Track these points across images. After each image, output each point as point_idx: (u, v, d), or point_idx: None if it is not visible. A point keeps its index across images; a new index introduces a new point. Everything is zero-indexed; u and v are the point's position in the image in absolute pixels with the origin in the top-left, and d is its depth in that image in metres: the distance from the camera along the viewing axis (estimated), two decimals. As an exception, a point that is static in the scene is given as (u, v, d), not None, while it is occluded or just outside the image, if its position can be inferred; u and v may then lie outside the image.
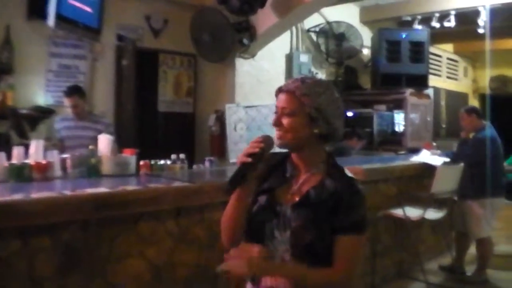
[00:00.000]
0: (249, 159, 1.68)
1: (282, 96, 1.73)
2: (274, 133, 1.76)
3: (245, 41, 5.98)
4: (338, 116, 1.74)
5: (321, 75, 7.70)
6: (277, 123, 1.72)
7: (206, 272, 3.16)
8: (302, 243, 1.67)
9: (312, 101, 1.68)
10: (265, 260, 1.64)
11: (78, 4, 5.02)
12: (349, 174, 1.76)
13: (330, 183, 1.70)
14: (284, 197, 1.76)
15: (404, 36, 7.54)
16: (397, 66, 7.48)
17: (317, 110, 1.68)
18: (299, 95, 1.68)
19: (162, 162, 3.91)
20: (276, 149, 1.79)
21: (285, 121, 1.70)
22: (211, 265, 3.11)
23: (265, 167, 1.82)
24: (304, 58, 7.18)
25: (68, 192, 2.74)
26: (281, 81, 6.96)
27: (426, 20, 7.80)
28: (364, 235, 1.72)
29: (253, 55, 6.45)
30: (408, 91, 7.47)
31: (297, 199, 1.73)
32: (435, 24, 7.63)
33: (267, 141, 1.72)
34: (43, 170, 3.32)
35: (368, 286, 4.60)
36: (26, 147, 3.50)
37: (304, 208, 1.69)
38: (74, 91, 4.66)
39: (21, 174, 3.21)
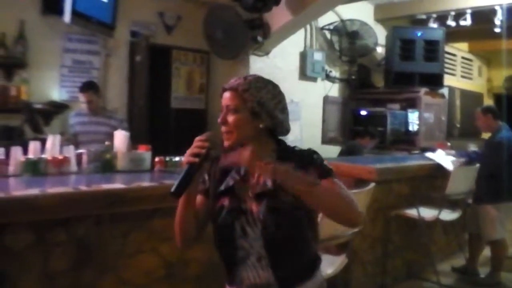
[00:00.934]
0: (196, 159, 1.66)
1: (226, 94, 1.77)
2: None
3: (259, 38, 5.96)
4: (281, 110, 1.78)
5: (335, 73, 7.69)
6: (223, 121, 1.75)
7: (218, 269, 3.16)
8: (272, 231, 1.69)
9: (253, 96, 1.72)
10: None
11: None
12: (300, 148, 1.80)
13: (282, 162, 1.69)
14: (245, 193, 1.77)
15: (419, 34, 7.50)
16: (411, 65, 7.44)
17: (259, 104, 1.71)
18: (241, 91, 1.72)
19: (177, 158, 3.91)
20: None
21: (230, 118, 1.74)
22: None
23: (218, 168, 1.83)
24: (317, 56, 7.16)
25: (83, 187, 2.75)
26: (294, 78, 6.95)
27: (441, 18, 7.74)
28: (335, 177, 1.72)
29: (266, 53, 6.44)
30: (422, 90, 7.43)
31: (256, 191, 1.75)
32: (451, 22, 7.57)
33: (212, 139, 1.70)
34: (59, 165, 3.34)
35: (378, 286, 4.59)
36: (40, 141, 3.51)
37: (265, 197, 1.72)
38: (89, 87, 4.68)
39: (37, 169, 3.23)
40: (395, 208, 4.60)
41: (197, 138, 1.69)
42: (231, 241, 1.76)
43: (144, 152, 3.75)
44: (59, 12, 4.81)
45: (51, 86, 5.45)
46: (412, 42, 7.46)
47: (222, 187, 1.79)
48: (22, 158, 3.27)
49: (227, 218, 1.76)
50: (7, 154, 3.27)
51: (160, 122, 6.41)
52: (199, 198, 1.83)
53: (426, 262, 4.93)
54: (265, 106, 1.72)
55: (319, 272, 1.87)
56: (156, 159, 3.84)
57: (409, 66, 7.43)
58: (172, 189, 1.64)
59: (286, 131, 1.82)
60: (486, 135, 5.35)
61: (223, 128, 1.76)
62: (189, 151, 1.67)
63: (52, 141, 3.49)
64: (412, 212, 4.51)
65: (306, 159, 1.73)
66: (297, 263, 1.77)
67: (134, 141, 3.97)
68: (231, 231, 1.75)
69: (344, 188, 1.70)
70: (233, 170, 1.80)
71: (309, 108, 7.05)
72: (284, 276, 1.74)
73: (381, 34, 8.08)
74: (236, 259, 1.78)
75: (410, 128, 7.71)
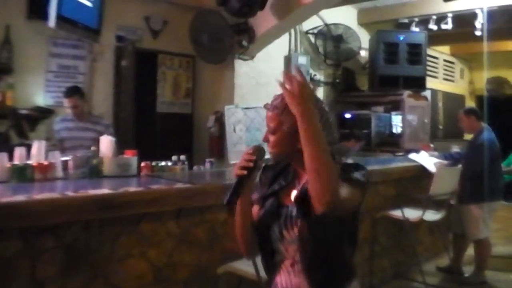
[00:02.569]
0: (245, 172, 1.74)
1: (268, 113, 1.82)
2: None
3: (244, 42, 5.99)
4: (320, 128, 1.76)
5: (319, 76, 7.73)
6: (266, 140, 1.82)
7: (207, 272, 3.18)
8: (307, 235, 1.72)
9: (288, 120, 1.72)
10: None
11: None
12: (348, 161, 1.82)
13: None
14: (288, 198, 1.82)
15: (401, 38, 7.55)
16: (395, 68, 7.49)
17: (294, 128, 1.67)
18: (278, 113, 1.76)
19: (163, 163, 3.92)
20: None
21: (271, 138, 1.79)
22: (212, 266, 3.16)
23: (270, 174, 1.91)
24: (302, 59, 7.20)
25: (70, 193, 2.75)
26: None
27: (423, 22, 7.84)
28: (359, 190, 1.70)
29: (252, 57, 6.46)
30: (406, 92, 7.48)
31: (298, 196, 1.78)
32: (433, 26, 7.67)
33: (258, 152, 1.79)
34: (45, 171, 3.33)
35: (366, 287, 4.63)
36: (26, 147, 3.50)
37: (303, 201, 1.71)
38: (74, 92, 4.67)
39: (23, 175, 3.22)
40: (381, 210, 4.65)
41: (245, 151, 1.79)
42: (269, 243, 1.82)
43: (131, 157, 3.76)
44: (45, 17, 4.78)
45: (37, 91, 5.42)
46: (395, 45, 7.51)
47: (269, 191, 1.86)
48: (8, 164, 3.26)
49: (266, 220, 1.82)
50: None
51: (147, 127, 6.40)
52: (254, 207, 1.89)
53: (412, 262, 4.99)
54: None
55: (355, 283, 1.87)
56: (143, 164, 3.85)
57: (392, 69, 7.48)
58: (224, 201, 1.72)
59: (330, 143, 1.73)
60: (468, 136, 5.42)
61: (267, 145, 1.82)
62: (238, 164, 1.76)
63: (38, 147, 3.47)
64: (397, 213, 4.56)
65: (347, 167, 1.73)
66: (329, 270, 1.77)
67: (121, 146, 3.98)
68: (269, 233, 1.81)
69: (345, 191, 1.64)
70: (281, 176, 1.87)
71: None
72: (316, 283, 1.75)
73: (365, 38, 8.14)
74: (273, 264, 1.84)
75: (394, 131, 7.79)
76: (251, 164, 1.75)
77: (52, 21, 4.67)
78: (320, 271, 1.76)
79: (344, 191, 1.63)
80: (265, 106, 1.83)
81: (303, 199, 1.71)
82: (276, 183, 1.88)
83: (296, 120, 1.63)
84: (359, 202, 1.74)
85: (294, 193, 1.81)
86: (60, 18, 4.69)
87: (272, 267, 1.85)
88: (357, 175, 1.71)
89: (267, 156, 1.83)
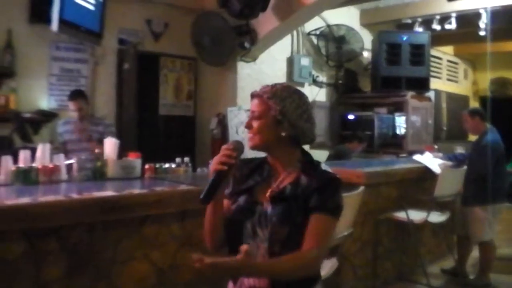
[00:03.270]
0: (225, 167, 1.72)
1: (253, 100, 1.84)
2: None
3: (246, 44, 5.99)
4: (305, 120, 1.82)
5: (322, 77, 7.73)
6: (248, 126, 1.81)
7: (210, 276, 3.17)
8: (279, 237, 1.72)
9: (277, 104, 1.77)
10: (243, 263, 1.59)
11: (80, 1, 5.03)
12: (324, 167, 1.83)
13: (305, 178, 1.78)
14: (263, 195, 1.81)
15: (404, 38, 7.55)
16: (397, 69, 7.48)
17: (281, 113, 1.76)
18: (266, 99, 1.78)
19: (166, 165, 3.92)
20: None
21: (254, 123, 1.80)
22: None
23: (245, 169, 1.89)
24: (304, 61, 7.21)
25: (74, 195, 2.75)
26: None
27: (426, 22, 7.82)
28: (337, 219, 1.77)
29: (254, 59, 6.47)
30: (409, 93, 7.48)
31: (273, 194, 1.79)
32: (436, 26, 7.65)
33: (238, 147, 1.78)
34: (50, 174, 3.34)
35: (369, 289, 4.62)
36: (30, 150, 3.51)
37: (280, 203, 1.75)
38: (79, 95, 4.69)
39: (28, 178, 3.22)
40: (384, 211, 4.63)
41: (224, 147, 1.76)
42: (239, 239, 1.77)
43: (135, 159, 3.76)
44: (47, 20, 4.79)
45: (40, 95, 5.44)
46: (398, 46, 7.51)
47: (243, 187, 1.84)
48: (12, 167, 3.26)
49: (239, 216, 1.80)
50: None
51: (149, 129, 6.41)
52: (225, 202, 1.86)
53: (416, 264, 4.97)
54: (288, 115, 1.77)
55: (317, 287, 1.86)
56: (146, 166, 3.85)
57: (395, 70, 7.47)
58: (201, 196, 1.70)
59: (311, 140, 1.86)
60: (473, 137, 5.40)
61: (248, 132, 1.82)
62: (217, 159, 1.73)
63: (42, 150, 3.48)
64: (401, 215, 4.54)
65: (323, 184, 1.75)
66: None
67: (123, 148, 3.97)
68: (241, 229, 1.78)
69: (325, 232, 1.74)
70: (256, 172, 1.86)
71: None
72: (280, 284, 1.74)
73: (367, 38, 8.15)
74: None
75: (398, 132, 7.78)
76: (232, 161, 1.73)
77: (54, 25, 4.68)
78: None
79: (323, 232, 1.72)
80: (252, 93, 1.84)
81: (282, 199, 1.76)
82: (251, 179, 1.86)
83: (285, 107, 1.75)
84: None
85: (269, 191, 1.80)
86: (62, 21, 4.71)
87: None
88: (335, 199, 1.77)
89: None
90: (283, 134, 1.77)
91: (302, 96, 1.85)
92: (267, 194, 1.80)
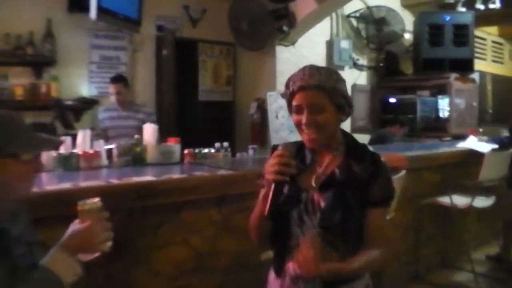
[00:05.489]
0: (284, 178, 1.62)
1: (306, 93, 1.66)
2: None
3: (285, 28, 5.93)
4: (350, 97, 1.76)
5: (362, 61, 7.62)
6: (312, 123, 1.66)
7: (248, 260, 3.16)
8: (331, 223, 1.67)
9: (339, 90, 1.67)
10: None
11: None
12: (371, 149, 1.77)
13: (354, 161, 1.71)
14: (308, 182, 1.75)
15: (447, 19, 7.36)
16: (440, 51, 7.32)
17: (344, 97, 1.69)
18: (329, 88, 1.65)
19: (205, 150, 3.92)
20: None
21: (320, 118, 1.66)
22: (253, 253, 3.14)
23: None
24: (344, 44, 7.11)
25: (114, 181, 2.77)
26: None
27: (470, 2, 7.59)
28: (389, 206, 1.79)
29: (293, 43, 6.41)
30: (452, 75, 7.29)
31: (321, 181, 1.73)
32: (480, 6, 7.42)
33: (291, 151, 1.69)
34: (90, 159, 3.38)
35: (412, 275, 4.54)
36: (71, 137, 3.56)
37: (331, 188, 1.69)
38: (119, 79, 4.78)
39: (69, 163, 3.27)
40: (427, 196, 4.53)
41: (278, 153, 1.64)
42: (285, 228, 1.74)
43: (174, 144, 3.77)
44: (85, 9, 4.86)
45: (80, 82, 5.53)
46: (440, 27, 7.34)
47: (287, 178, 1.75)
48: (54, 153, 3.31)
49: (284, 205, 1.73)
50: (39, 150, 3.32)
51: (188, 115, 6.45)
52: None
53: (460, 250, 4.86)
54: (347, 97, 1.70)
55: (367, 274, 1.82)
56: (186, 151, 3.86)
57: (438, 51, 7.32)
58: (266, 212, 1.62)
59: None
60: (520, 120, 5.21)
61: (308, 129, 1.68)
62: (273, 169, 1.62)
63: (83, 136, 3.53)
64: (444, 199, 4.44)
65: (378, 171, 1.71)
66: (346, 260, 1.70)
67: (163, 134, 4.00)
68: (287, 218, 1.73)
69: (386, 221, 1.76)
70: (298, 159, 1.77)
71: (337, 97, 7.00)
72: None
73: (408, 20, 7.96)
74: (286, 248, 1.74)
75: (441, 115, 7.59)
76: (292, 170, 1.64)
77: (93, 13, 4.74)
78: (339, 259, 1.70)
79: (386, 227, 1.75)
80: (303, 86, 1.68)
81: (330, 185, 1.70)
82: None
83: (343, 90, 1.69)
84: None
85: (314, 178, 1.74)
86: (100, 9, 4.76)
87: (285, 252, 1.75)
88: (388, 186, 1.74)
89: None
90: (344, 119, 1.71)
91: (338, 72, 1.75)
92: (313, 180, 1.73)
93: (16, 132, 1.48)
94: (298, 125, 1.70)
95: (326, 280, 1.62)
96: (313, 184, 1.73)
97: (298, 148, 1.79)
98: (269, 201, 1.61)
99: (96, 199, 1.67)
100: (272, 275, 1.85)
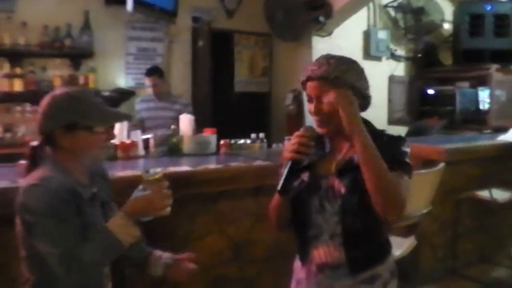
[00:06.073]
0: (301, 157, 1.66)
1: (315, 84, 1.70)
2: None
3: (321, 18, 5.88)
4: (367, 86, 1.76)
5: (400, 51, 7.49)
6: (318, 112, 1.70)
7: (285, 251, 3.15)
8: (351, 208, 1.67)
9: (345, 81, 1.67)
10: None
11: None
12: (390, 133, 1.77)
13: None
14: (327, 169, 1.75)
15: (488, 8, 7.17)
16: (481, 41, 7.14)
17: (352, 87, 1.68)
18: (333, 79, 1.66)
19: (241, 141, 3.93)
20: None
21: (324, 107, 1.68)
22: (291, 244, 3.13)
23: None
24: (382, 34, 7.00)
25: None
26: (358, 58, 6.78)
27: (512, -9, 7.38)
28: (408, 176, 1.69)
29: (329, 33, 6.34)
30: (493, 66, 7.11)
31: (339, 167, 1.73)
32: (522, -5, 7.21)
33: (313, 135, 1.70)
34: (127, 150, 3.43)
35: (449, 270, 4.47)
36: (109, 127, 3.61)
37: (348, 173, 1.69)
38: (154, 71, 4.80)
39: (106, 153, 3.31)
40: (466, 190, 4.44)
41: (299, 134, 1.68)
42: (306, 216, 1.76)
43: (210, 135, 3.79)
44: (122, 1, 4.91)
45: (117, 74, 5.61)
46: (481, 17, 7.15)
47: (305, 162, 1.76)
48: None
49: (305, 192, 1.76)
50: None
51: (224, 106, 6.46)
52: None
53: (499, 245, 4.76)
54: (357, 88, 1.70)
55: (391, 258, 1.83)
56: (222, 142, 3.87)
57: (478, 42, 7.15)
58: (279, 188, 1.66)
59: (369, 105, 1.80)
60: None
61: (317, 118, 1.72)
62: (291, 147, 1.66)
63: (120, 127, 3.58)
64: (484, 194, 4.34)
65: (389, 143, 1.71)
66: (370, 245, 1.74)
67: (199, 125, 4.02)
68: (308, 206, 1.75)
69: (402, 186, 1.64)
70: (317, 146, 1.77)
71: (373, 88, 6.76)
72: (356, 257, 1.71)
73: (447, 9, 7.78)
74: (309, 236, 1.78)
75: (481, 107, 7.40)
76: (309, 150, 1.67)
77: (129, 5, 4.78)
78: (362, 244, 1.72)
79: (403, 188, 1.63)
80: (309, 76, 1.71)
81: (349, 171, 1.69)
82: (313, 154, 1.77)
83: (351, 80, 1.68)
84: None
85: (334, 164, 1.74)
86: (137, 1, 4.81)
87: (308, 240, 1.78)
88: (403, 155, 1.70)
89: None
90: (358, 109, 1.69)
91: (357, 63, 1.76)
92: (333, 167, 1.74)
93: (89, 107, 1.73)
94: (310, 113, 1.75)
95: (356, 264, 1.69)
96: (333, 170, 1.73)
97: (319, 135, 1.79)
98: (283, 178, 1.64)
99: (159, 169, 1.83)
100: (298, 263, 1.88)
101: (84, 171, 1.80)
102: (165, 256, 2.05)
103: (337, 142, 1.78)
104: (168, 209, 1.83)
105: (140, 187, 1.79)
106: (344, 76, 1.67)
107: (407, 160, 1.71)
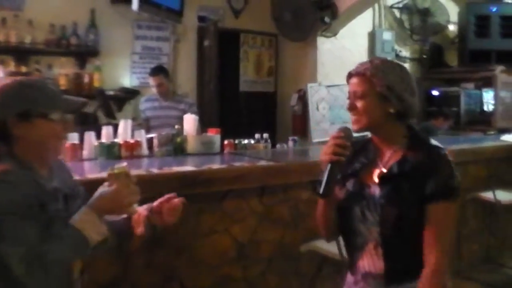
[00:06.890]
0: (341, 158, 1.66)
1: (353, 80, 1.73)
2: None
3: (327, 19, 5.87)
4: (410, 93, 1.73)
5: (405, 52, 7.47)
6: (352, 107, 1.72)
7: (289, 251, 3.16)
8: (390, 219, 1.66)
9: (382, 80, 1.67)
10: None
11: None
12: (434, 142, 1.74)
13: (413, 154, 1.69)
14: (370, 178, 1.75)
15: (494, 10, 7.16)
16: (486, 42, 7.13)
17: (388, 89, 1.67)
18: (369, 76, 1.68)
19: (246, 141, 3.93)
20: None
21: (358, 104, 1.70)
22: (295, 244, 3.14)
23: (350, 152, 1.78)
24: (387, 35, 6.99)
25: (155, 170, 2.80)
26: (364, 59, 6.75)
27: (517, -8, 7.36)
28: (456, 202, 1.69)
29: (335, 34, 6.33)
30: (499, 68, 7.09)
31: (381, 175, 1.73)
32: (528, -4, 7.18)
33: (349, 135, 1.70)
34: (131, 149, 3.43)
35: (453, 271, 4.44)
36: (113, 126, 3.62)
37: (388, 182, 1.69)
38: (159, 71, 4.79)
39: (110, 152, 3.33)
40: (471, 191, 4.42)
41: (335, 135, 1.69)
42: (350, 225, 1.76)
43: (214, 135, 3.79)
44: (128, 0, 4.92)
45: (123, 73, 5.61)
46: (487, 18, 7.15)
47: (349, 171, 1.78)
48: (95, 142, 3.37)
49: (348, 201, 1.76)
50: (82, 139, 3.39)
51: (230, 106, 6.45)
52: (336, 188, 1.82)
53: (504, 247, 4.74)
54: (394, 89, 1.68)
55: None
56: (226, 141, 3.87)
57: (484, 43, 7.13)
58: (321, 191, 1.66)
59: (415, 113, 1.77)
60: None
61: (352, 114, 1.74)
62: (329, 150, 1.66)
63: (124, 126, 3.58)
64: (488, 195, 4.33)
65: (435, 164, 1.67)
66: (408, 258, 1.71)
67: (205, 124, 4.03)
68: (351, 215, 1.75)
69: (447, 223, 1.67)
70: (361, 153, 1.79)
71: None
72: (392, 269, 1.70)
73: (453, 10, 7.76)
74: (355, 246, 1.78)
75: (486, 108, 7.39)
76: (347, 152, 1.67)
77: (135, 4, 4.78)
78: (399, 256, 1.70)
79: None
80: (351, 72, 1.75)
81: (389, 180, 1.69)
82: (357, 162, 1.79)
83: (390, 82, 1.66)
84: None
85: (376, 173, 1.74)
86: (143, 0, 4.80)
87: (354, 249, 1.78)
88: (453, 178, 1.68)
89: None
90: (391, 110, 1.69)
91: (403, 69, 1.76)
92: (374, 176, 1.74)
93: (42, 94, 1.65)
94: (346, 109, 1.77)
95: (392, 276, 1.68)
96: (375, 179, 1.73)
97: (363, 143, 1.82)
98: (324, 181, 1.64)
99: (124, 164, 1.75)
100: (349, 275, 1.87)
101: (44, 164, 1.68)
102: (142, 212, 1.91)
103: (381, 149, 1.78)
104: (135, 207, 1.75)
105: (106, 183, 1.69)
106: (381, 75, 1.68)
107: (457, 183, 1.69)
